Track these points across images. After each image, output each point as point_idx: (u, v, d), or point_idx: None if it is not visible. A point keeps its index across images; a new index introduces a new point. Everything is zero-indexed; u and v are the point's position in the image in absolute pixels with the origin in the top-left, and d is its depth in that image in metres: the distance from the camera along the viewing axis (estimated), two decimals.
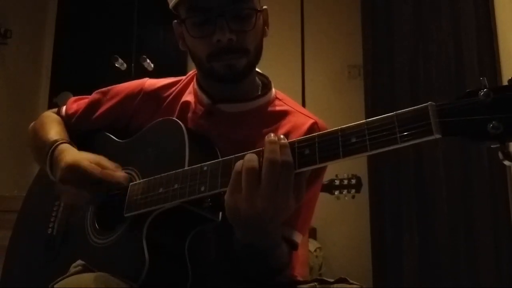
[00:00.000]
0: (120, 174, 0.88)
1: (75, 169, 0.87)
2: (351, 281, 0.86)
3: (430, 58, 2.28)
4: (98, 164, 0.89)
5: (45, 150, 0.99)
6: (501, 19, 1.92)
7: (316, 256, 2.63)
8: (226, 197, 0.72)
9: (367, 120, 0.65)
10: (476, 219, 1.99)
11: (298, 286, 0.91)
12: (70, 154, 0.93)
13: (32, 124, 1.14)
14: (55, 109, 1.17)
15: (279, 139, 0.70)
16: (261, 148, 0.71)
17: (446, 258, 2.08)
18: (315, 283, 0.89)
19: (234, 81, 0.95)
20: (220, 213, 0.83)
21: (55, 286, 0.77)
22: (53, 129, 1.06)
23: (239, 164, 0.71)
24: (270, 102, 1.03)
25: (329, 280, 0.88)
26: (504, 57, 1.87)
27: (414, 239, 2.22)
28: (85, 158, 0.89)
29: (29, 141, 1.11)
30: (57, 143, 0.98)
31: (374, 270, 2.44)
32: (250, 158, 0.70)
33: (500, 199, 1.92)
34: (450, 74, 2.16)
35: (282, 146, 0.69)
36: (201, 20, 0.90)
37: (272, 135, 0.70)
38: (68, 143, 0.99)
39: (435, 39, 2.25)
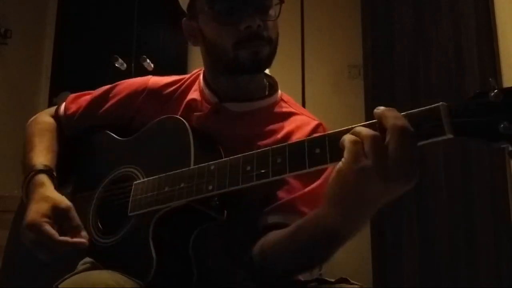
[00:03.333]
0: (74, 241, 0.87)
1: (33, 231, 0.87)
2: (351, 281, 0.86)
3: (430, 58, 2.27)
4: (64, 218, 0.89)
5: (24, 176, 0.99)
6: (501, 19, 1.92)
7: None
8: (343, 168, 0.62)
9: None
10: (476, 219, 1.99)
11: (298, 286, 0.91)
12: (37, 201, 0.91)
13: (26, 125, 1.13)
14: (52, 109, 1.16)
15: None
16: (372, 121, 0.63)
17: (446, 258, 2.08)
18: (315, 283, 0.89)
19: (255, 70, 0.96)
20: (225, 211, 0.83)
21: (63, 284, 0.77)
22: (41, 145, 1.05)
23: (350, 136, 0.62)
24: (276, 104, 1.04)
25: (329, 280, 0.88)
26: (504, 57, 1.87)
27: (414, 239, 2.22)
28: (46, 215, 0.88)
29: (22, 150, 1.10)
30: (33, 173, 0.97)
31: (374, 270, 2.43)
32: (366, 128, 0.62)
33: (500, 199, 1.92)
34: (450, 74, 2.16)
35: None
36: (227, 8, 0.91)
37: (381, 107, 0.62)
38: (46, 171, 0.98)
39: (435, 39, 2.25)
